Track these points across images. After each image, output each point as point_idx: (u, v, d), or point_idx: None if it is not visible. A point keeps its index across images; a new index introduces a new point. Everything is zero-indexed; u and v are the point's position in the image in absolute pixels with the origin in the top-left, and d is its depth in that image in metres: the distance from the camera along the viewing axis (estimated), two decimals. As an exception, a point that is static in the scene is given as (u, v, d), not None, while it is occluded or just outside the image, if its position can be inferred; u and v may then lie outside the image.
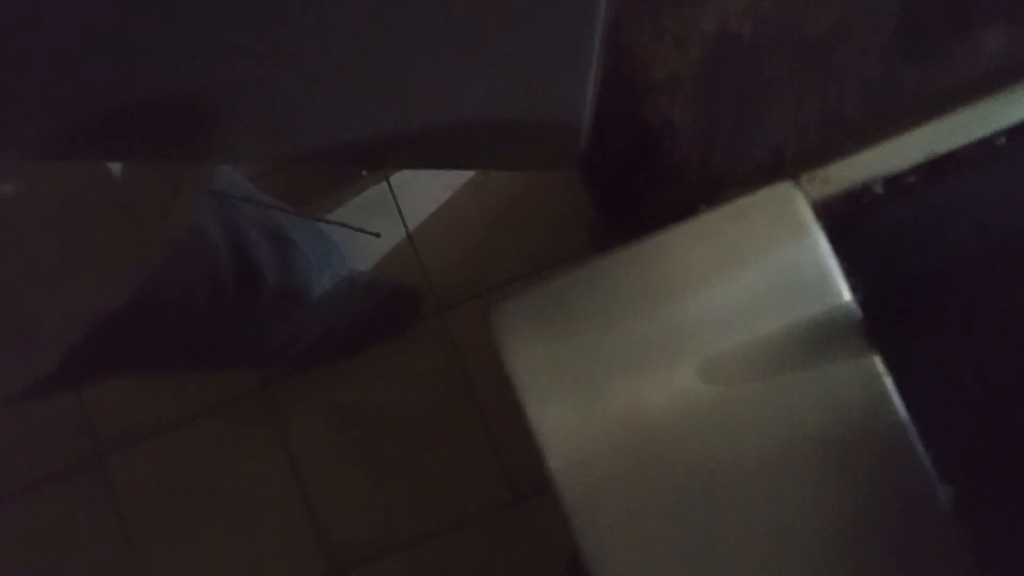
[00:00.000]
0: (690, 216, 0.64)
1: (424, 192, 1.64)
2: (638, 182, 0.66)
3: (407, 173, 1.61)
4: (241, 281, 1.01)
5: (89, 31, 0.45)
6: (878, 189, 0.61)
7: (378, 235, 1.44)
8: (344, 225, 1.36)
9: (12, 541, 1.78)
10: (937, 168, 0.60)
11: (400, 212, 1.69)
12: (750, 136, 0.65)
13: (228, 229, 1.01)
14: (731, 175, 0.65)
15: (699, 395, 0.64)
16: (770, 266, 0.61)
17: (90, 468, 1.78)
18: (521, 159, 0.71)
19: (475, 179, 1.60)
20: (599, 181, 0.67)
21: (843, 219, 0.61)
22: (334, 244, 1.48)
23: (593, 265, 0.64)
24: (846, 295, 0.61)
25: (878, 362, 0.60)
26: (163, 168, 0.78)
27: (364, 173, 1.59)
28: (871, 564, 0.62)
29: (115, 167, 0.74)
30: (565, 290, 0.64)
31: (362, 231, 1.38)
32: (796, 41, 0.64)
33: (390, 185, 1.66)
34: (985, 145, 0.60)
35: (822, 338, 0.61)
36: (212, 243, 0.96)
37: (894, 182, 0.61)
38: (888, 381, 0.60)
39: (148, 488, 1.77)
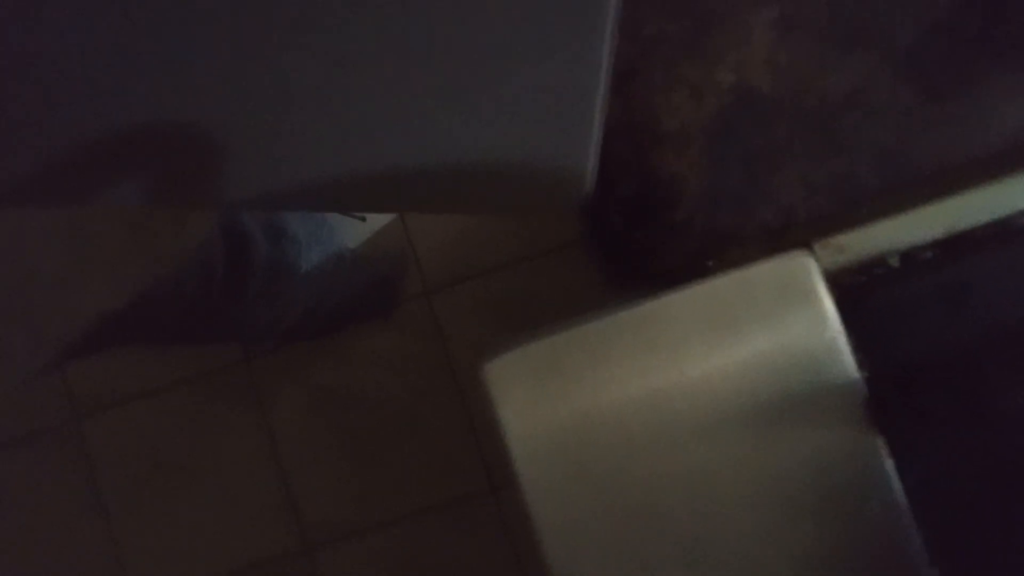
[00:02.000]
0: (695, 272, 0.62)
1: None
2: (642, 235, 0.63)
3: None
4: (231, 257, 1.01)
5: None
6: (894, 262, 0.59)
7: (363, 219, 1.41)
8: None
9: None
10: (956, 245, 0.58)
11: (393, 192, 1.65)
12: (760, 195, 0.62)
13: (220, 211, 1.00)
14: (738, 235, 0.62)
15: (694, 462, 0.62)
16: (777, 337, 0.59)
17: (65, 431, 1.75)
18: (525, 205, 0.69)
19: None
20: (602, 231, 0.64)
21: (854, 291, 0.59)
22: (324, 220, 1.45)
23: (590, 326, 0.61)
24: (853, 372, 0.59)
25: (880, 443, 0.59)
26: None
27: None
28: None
29: None
30: (561, 349, 0.62)
31: (347, 214, 1.36)
32: (814, 99, 0.61)
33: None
34: (1006, 225, 0.57)
35: (825, 413, 0.60)
36: (207, 229, 0.95)
37: (910, 256, 0.59)
38: (889, 463, 0.59)
39: (123, 454, 1.75)
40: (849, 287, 0.60)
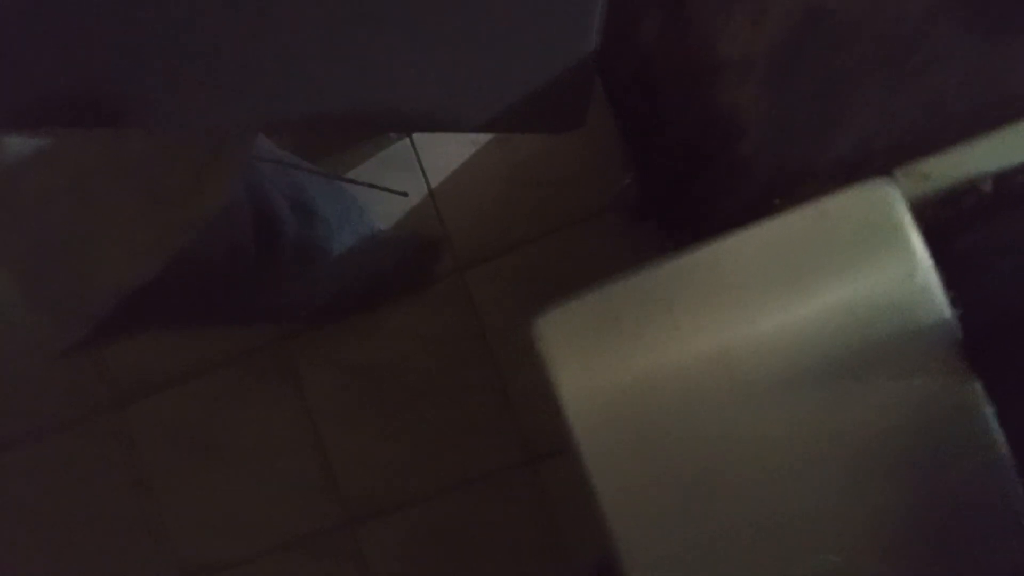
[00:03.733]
0: (763, 214, 0.56)
1: (447, 148, 1.59)
2: (701, 175, 0.58)
3: (430, 129, 1.57)
4: (262, 240, 1.00)
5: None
6: (987, 188, 0.53)
7: (406, 194, 1.41)
8: (371, 185, 1.31)
9: (29, 484, 1.80)
10: (1059, 166, 0.52)
11: (422, 168, 1.65)
12: (833, 125, 0.56)
13: (250, 188, 0.99)
14: (810, 169, 0.57)
15: (767, 420, 0.57)
16: (859, 276, 0.54)
17: (107, 416, 1.80)
18: (528, 116, 0.64)
19: (500, 135, 1.54)
20: (658, 171, 0.59)
21: (944, 223, 0.53)
22: (354, 200, 1.46)
23: (649, 274, 0.56)
24: (946, 310, 0.53)
25: (978, 389, 0.53)
26: (197, 148, 0.74)
27: (392, 135, 1.54)
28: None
29: (135, 149, 0.69)
30: (618, 301, 0.57)
31: (389, 191, 1.34)
32: (891, 15, 0.55)
33: (412, 141, 1.60)
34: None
35: (914, 358, 0.54)
36: (236, 205, 0.93)
37: (1007, 180, 0.53)
38: (988, 411, 0.53)
39: (164, 436, 1.79)
40: (936, 218, 0.54)
